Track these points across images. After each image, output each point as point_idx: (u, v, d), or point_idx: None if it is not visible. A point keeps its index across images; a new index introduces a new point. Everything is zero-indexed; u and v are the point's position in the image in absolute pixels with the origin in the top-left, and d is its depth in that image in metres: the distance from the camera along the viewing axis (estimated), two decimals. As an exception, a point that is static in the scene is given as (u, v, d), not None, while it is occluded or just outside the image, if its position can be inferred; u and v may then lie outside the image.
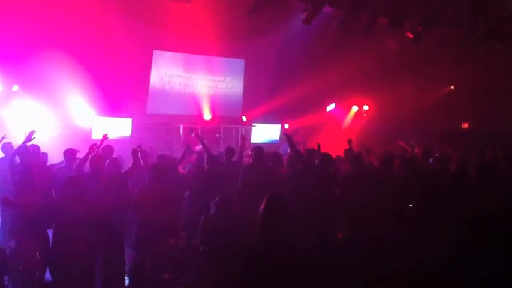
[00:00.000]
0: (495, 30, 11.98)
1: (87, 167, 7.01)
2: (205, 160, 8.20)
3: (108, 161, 7.27)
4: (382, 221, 4.58)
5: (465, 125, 17.21)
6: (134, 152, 7.18)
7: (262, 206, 3.31)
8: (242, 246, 4.58)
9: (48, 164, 8.02)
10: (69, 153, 7.68)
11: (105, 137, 7.84)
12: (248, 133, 14.83)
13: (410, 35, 12.01)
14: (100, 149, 7.82)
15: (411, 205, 5.90)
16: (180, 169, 8.69)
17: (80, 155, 7.86)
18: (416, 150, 10.29)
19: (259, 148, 8.15)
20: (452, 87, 16.94)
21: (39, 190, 6.46)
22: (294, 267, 3.16)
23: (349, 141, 9.70)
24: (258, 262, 3.18)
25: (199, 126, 13.94)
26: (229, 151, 8.60)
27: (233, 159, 8.58)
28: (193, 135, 9.08)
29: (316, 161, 7.69)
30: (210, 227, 5.83)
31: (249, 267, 3.20)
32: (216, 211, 5.92)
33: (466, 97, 15.60)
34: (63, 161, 7.87)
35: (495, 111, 14.70)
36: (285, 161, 8.60)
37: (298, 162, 7.88)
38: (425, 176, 6.87)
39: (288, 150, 9.23)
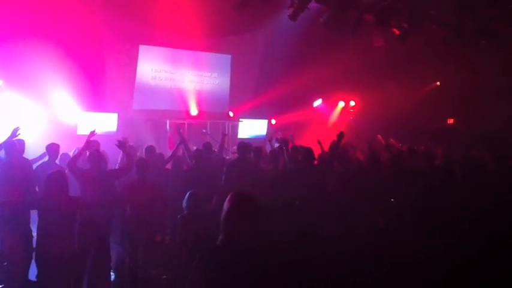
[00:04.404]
0: (483, 30, 12.03)
1: (82, 162, 6.97)
2: (188, 156, 8.28)
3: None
4: (371, 216, 4.62)
5: (450, 121, 17.30)
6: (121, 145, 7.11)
7: (226, 204, 3.20)
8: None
9: (29, 158, 7.90)
10: (52, 148, 7.62)
11: (92, 133, 7.79)
12: (235, 128, 14.85)
13: (396, 31, 12.03)
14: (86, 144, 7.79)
15: (392, 200, 5.95)
16: (168, 166, 8.69)
17: (62, 150, 7.84)
18: (400, 145, 10.34)
19: (243, 144, 8.19)
20: (438, 83, 17.01)
21: (21, 186, 6.42)
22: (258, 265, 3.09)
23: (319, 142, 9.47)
24: (218, 260, 3.12)
25: (186, 122, 13.93)
26: (207, 146, 8.63)
27: (212, 155, 8.64)
28: (181, 130, 9.07)
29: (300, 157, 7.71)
30: (186, 226, 5.82)
31: (209, 265, 3.11)
32: (187, 208, 5.91)
33: (452, 95, 15.68)
34: (43, 154, 7.80)
35: (481, 110, 14.78)
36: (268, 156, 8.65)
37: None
38: (411, 172, 6.92)
39: (275, 145, 9.24)
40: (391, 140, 11.42)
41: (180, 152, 8.83)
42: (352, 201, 5.04)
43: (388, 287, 3.93)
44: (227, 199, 3.24)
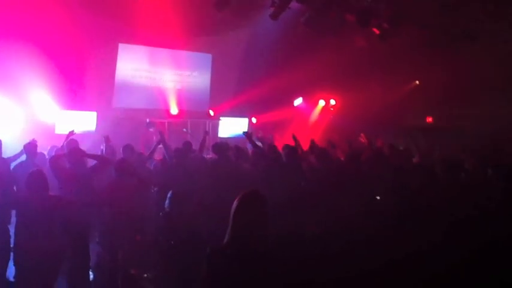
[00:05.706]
0: (464, 31, 12.13)
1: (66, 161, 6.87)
2: (168, 155, 8.23)
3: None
4: (353, 215, 4.63)
5: (429, 119, 17.44)
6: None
7: (235, 203, 3.14)
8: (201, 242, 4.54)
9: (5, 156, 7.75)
10: (30, 147, 7.49)
11: (71, 133, 7.73)
12: (215, 127, 14.80)
13: (376, 31, 12.10)
14: (65, 143, 7.70)
15: (378, 197, 5.97)
16: (147, 164, 8.63)
17: (40, 149, 7.72)
18: (379, 144, 10.39)
19: (220, 144, 8.20)
20: (417, 82, 17.15)
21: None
22: (262, 266, 3.07)
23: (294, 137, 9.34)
24: (225, 260, 3.08)
25: (166, 121, 13.85)
26: (187, 145, 8.60)
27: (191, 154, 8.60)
28: (151, 129, 8.96)
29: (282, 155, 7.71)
30: (168, 224, 5.79)
31: (215, 265, 3.09)
32: (170, 206, 5.88)
33: (431, 94, 15.81)
34: (21, 152, 7.65)
35: (460, 108, 14.93)
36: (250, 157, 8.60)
37: (261, 158, 7.92)
38: (394, 169, 6.95)
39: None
40: (362, 134, 11.54)
41: (160, 151, 8.77)
42: (333, 199, 5.04)
43: (374, 285, 3.95)
44: (237, 198, 3.17)
